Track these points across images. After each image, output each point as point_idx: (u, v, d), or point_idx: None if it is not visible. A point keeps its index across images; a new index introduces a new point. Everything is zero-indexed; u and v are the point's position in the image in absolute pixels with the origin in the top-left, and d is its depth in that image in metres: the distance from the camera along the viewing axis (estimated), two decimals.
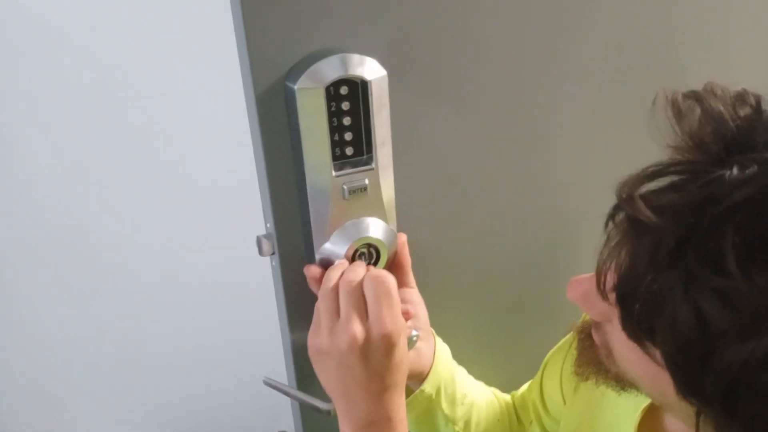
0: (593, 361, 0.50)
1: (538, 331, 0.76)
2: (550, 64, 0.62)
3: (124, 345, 1.32)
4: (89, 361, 1.35)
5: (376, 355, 0.52)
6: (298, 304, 0.61)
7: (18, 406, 1.41)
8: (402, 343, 0.53)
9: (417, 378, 0.63)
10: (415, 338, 0.60)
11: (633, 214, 0.36)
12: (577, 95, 0.65)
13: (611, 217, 0.39)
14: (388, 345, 0.52)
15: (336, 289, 0.53)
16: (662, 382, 0.39)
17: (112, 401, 1.41)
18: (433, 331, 0.65)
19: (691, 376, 0.36)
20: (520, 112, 0.63)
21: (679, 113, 0.38)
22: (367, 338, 0.51)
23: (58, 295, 1.27)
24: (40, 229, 1.21)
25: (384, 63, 0.55)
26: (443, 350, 0.65)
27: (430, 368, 0.63)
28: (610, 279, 0.39)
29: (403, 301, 0.61)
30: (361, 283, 0.53)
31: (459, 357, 0.68)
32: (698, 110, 0.37)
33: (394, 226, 0.60)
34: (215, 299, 1.26)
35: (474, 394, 0.68)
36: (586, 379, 0.51)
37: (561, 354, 0.67)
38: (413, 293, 0.62)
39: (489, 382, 0.73)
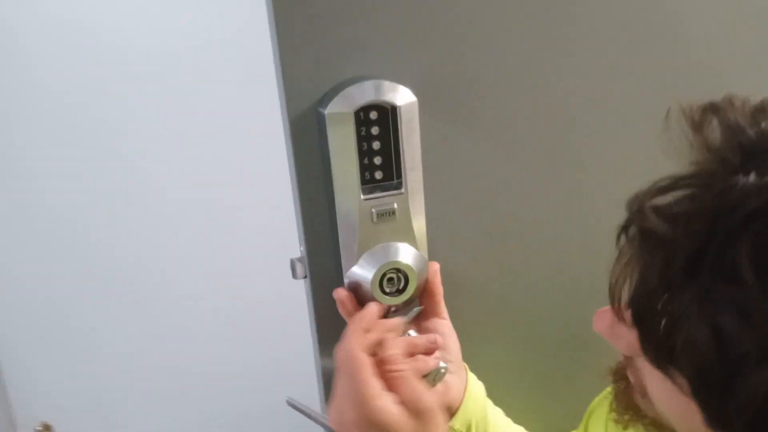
0: (630, 405, 0.47)
1: (584, 374, 0.71)
2: (583, 89, 0.61)
3: (164, 361, 1.37)
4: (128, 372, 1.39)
5: None
6: (329, 327, 0.61)
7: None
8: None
9: (445, 414, 0.61)
10: (443, 371, 0.58)
11: (644, 227, 0.35)
12: (612, 120, 0.63)
13: (622, 231, 0.37)
14: None
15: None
16: (692, 416, 0.36)
17: (144, 413, 1.45)
18: (467, 366, 0.63)
19: (716, 404, 0.33)
20: (554, 138, 0.62)
21: (695, 125, 0.36)
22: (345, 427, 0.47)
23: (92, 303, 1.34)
24: (88, 248, 1.29)
25: (415, 90, 0.56)
26: (476, 387, 0.63)
27: (461, 404, 0.61)
28: (624, 298, 0.37)
29: (433, 331, 0.60)
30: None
31: (494, 397, 0.66)
32: (715, 121, 0.35)
33: (424, 252, 0.60)
34: (256, 320, 1.29)
35: None
36: (626, 427, 0.48)
37: (606, 403, 0.63)
38: (444, 324, 0.61)
39: (531, 429, 0.70)
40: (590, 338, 0.71)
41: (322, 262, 0.59)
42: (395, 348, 0.51)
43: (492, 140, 0.60)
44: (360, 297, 0.58)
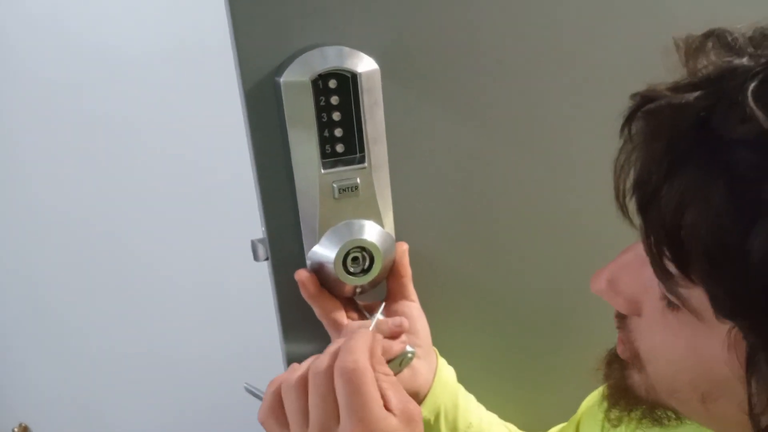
0: (622, 388, 0.44)
1: (566, 360, 0.69)
2: (558, 56, 0.58)
3: (141, 352, 1.34)
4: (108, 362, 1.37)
5: None
6: (293, 311, 0.58)
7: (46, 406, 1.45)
8: None
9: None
10: (410, 355, 0.55)
11: (651, 105, 0.32)
12: (583, 89, 0.60)
13: (627, 122, 0.34)
14: None
15: (303, 384, 0.44)
16: (702, 353, 0.34)
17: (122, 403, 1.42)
18: (436, 350, 0.60)
19: (731, 279, 0.29)
20: (523, 108, 0.59)
21: (692, 51, 0.34)
22: None
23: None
24: (73, 235, 1.26)
25: (378, 58, 0.53)
26: (446, 372, 0.60)
27: (429, 390, 0.58)
28: (628, 189, 0.34)
29: (401, 314, 0.57)
30: (330, 374, 0.43)
31: (466, 384, 0.63)
32: (710, 44, 0.33)
33: (391, 230, 0.57)
34: (219, 304, 1.27)
35: (482, 426, 0.61)
36: (619, 422, 0.45)
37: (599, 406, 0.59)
38: (413, 307, 0.58)
39: (505, 418, 0.67)
40: (571, 318, 0.69)
41: (284, 242, 0.56)
42: (379, 350, 0.47)
43: (461, 111, 0.57)
44: (324, 278, 0.55)
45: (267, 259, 0.58)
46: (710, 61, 0.33)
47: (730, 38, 0.33)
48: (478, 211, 0.61)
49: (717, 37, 0.33)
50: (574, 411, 0.62)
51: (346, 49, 0.52)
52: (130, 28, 1.12)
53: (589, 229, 0.64)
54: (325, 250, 0.54)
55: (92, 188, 1.23)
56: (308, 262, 0.55)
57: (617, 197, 0.35)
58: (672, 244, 0.31)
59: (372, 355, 0.45)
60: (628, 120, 0.34)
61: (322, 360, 0.45)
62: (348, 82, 0.52)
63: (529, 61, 0.58)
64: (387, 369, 0.47)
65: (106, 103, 1.16)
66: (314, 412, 0.43)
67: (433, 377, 0.58)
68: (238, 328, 1.25)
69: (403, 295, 0.58)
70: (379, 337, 0.49)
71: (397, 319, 0.54)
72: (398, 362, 0.54)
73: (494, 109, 0.58)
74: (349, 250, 0.54)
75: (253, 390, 0.53)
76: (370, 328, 0.52)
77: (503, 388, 0.67)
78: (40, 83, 1.18)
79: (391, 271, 0.57)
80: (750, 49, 0.32)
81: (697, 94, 0.31)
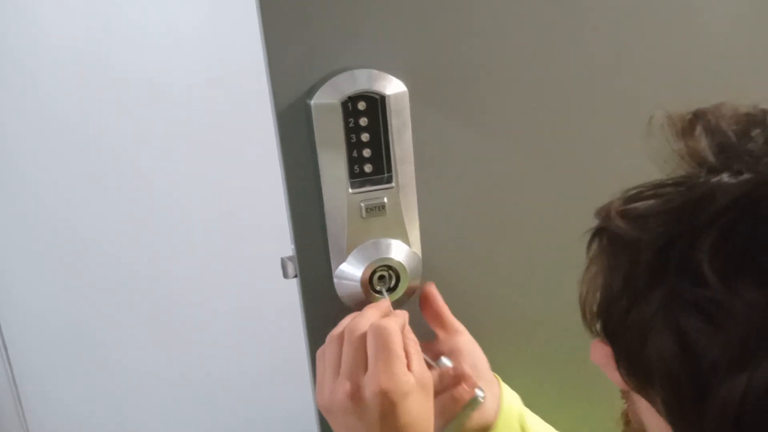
0: None
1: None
2: (583, 82, 0.59)
3: (171, 367, 1.36)
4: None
5: (373, 415, 0.46)
6: (321, 327, 0.59)
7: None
8: (409, 404, 0.47)
9: (482, 431, 0.56)
10: (481, 399, 0.55)
11: (610, 230, 0.33)
12: (613, 116, 0.60)
13: (591, 240, 0.35)
14: (384, 404, 0.46)
15: (341, 337, 0.50)
16: None
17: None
18: (498, 377, 0.60)
19: (691, 426, 0.30)
20: (551, 132, 0.59)
21: (679, 132, 0.34)
22: (360, 396, 0.46)
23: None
24: (110, 259, 1.30)
25: (407, 80, 0.54)
26: (510, 398, 0.59)
27: (496, 420, 0.56)
28: (594, 310, 0.34)
29: (455, 350, 0.57)
30: (365, 333, 0.48)
31: (531, 405, 0.61)
32: (699, 127, 0.33)
33: (417, 249, 0.57)
34: (250, 322, 1.28)
35: None
36: None
37: None
38: (462, 340, 0.57)
39: None
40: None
41: (312, 259, 0.57)
42: (406, 321, 0.52)
43: (487, 133, 0.58)
44: (351, 295, 0.56)
45: (296, 276, 0.59)
46: (694, 149, 0.32)
47: (714, 126, 0.32)
48: (505, 231, 0.61)
49: (704, 123, 0.33)
50: None
51: (375, 72, 0.53)
52: (168, 52, 1.16)
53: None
54: (352, 269, 0.55)
55: (129, 213, 1.26)
56: (335, 280, 0.56)
57: (583, 316, 0.36)
58: (633, 372, 0.33)
59: (404, 324, 0.51)
60: (591, 240, 0.35)
61: (358, 320, 0.49)
62: (377, 103, 0.53)
63: (556, 83, 0.58)
64: (414, 336, 0.52)
65: (145, 124, 1.20)
66: (346, 360, 0.48)
67: (498, 406, 0.57)
68: (269, 345, 1.27)
69: (450, 330, 0.58)
70: (406, 313, 0.53)
71: (459, 368, 0.55)
72: (470, 408, 0.54)
73: (521, 130, 0.58)
74: (376, 269, 0.55)
75: None
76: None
77: (555, 404, 0.66)
78: (81, 110, 1.23)
79: (429, 311, 0.58)
80: (729, 156, 0.31)
81: (656, 228, 0.31)
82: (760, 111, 0.34)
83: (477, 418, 0.55)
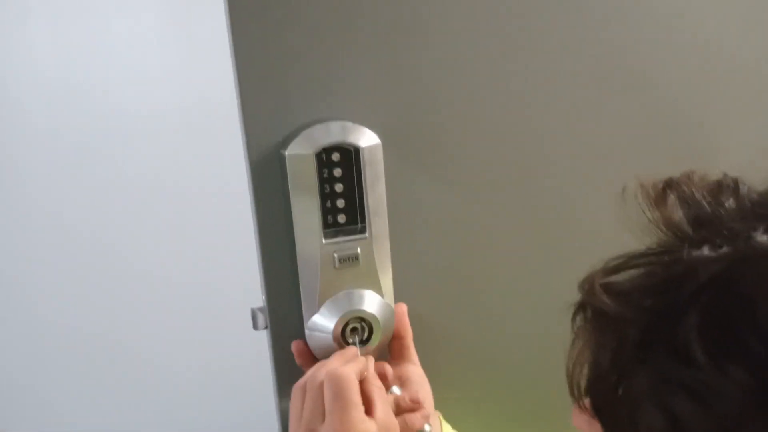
0: None
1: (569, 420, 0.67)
2: (554, 136, 0.60)
3: None
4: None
5: None
6: (290, 380, 0.57)
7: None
8: None
9: None
10: None
11: (595, 306, 0.33)
12: (587, 169, 0.62)
13: (576, 313, 0.35)
14: None
15: (304, 388, 0.50)
16: None
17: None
18: (440, 415, 0.59)
19: None
20: (523, 185, 0.60)
21: (652, 200, 0.34)
22: None
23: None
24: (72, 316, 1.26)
25: (380, 133, 0.54)
26: None
27: None
28: (582, 383, 0.34)
29: (406, 379, 0.57)
30: (321, 383, 0.48)
31: None
32: (672, 197, 0.34)
33: (390, 300, 0.57)
34: (217, 374, 1.25)
35: None
36: None
37: None
38: (415, 371, 0.58)
39: None
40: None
41: (283, 310, 0.56)
42: (372, 367, 0.52)
43: (461, 186, 0.59)
44: (322, 347, 0.55)
45: (266, 327, 0.58)
46: (669, 219, 0.33)
47: (688, 196, 0.33)
48: (477, 279, 0.61)
49: (678, 192, 0.34)
50: None
51: (350, 124, 0.54)
52: (142, 93, 1.16)
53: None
54: (324, 320, 0.54)
55: (96, 248, 1.24)
56: (307, 332, 0.55)
57: (570, 391, 0.35)
58: None
59: (366, 369, 0.51)
60: (575, 314, 0.35)
61: (320, 369, 0.49)
62: (351, 155, 0.53)
63: (525, 137, 0.60)
64: (380, 383, 0.51)
65: (117, 164, 1.19)
66: (306, 411, 0.48)
67: None
68: (237, 398, 1.23)
69: (406, 358, 0.58)
70: (371, 358, 0.53)
71: (414, 396, 0.54)
72: None
73: (493, 182, 0.59)
74: (349, 321, 0.54)
75: None
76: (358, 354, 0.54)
77: None
78: (53, 143, 1.21)
79: (393, 333, 0.57)
80: (706, 229, 0.31)
81: (640, 305, 0.31)
82: (731, 180, 0.35)
83: None
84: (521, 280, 0.62)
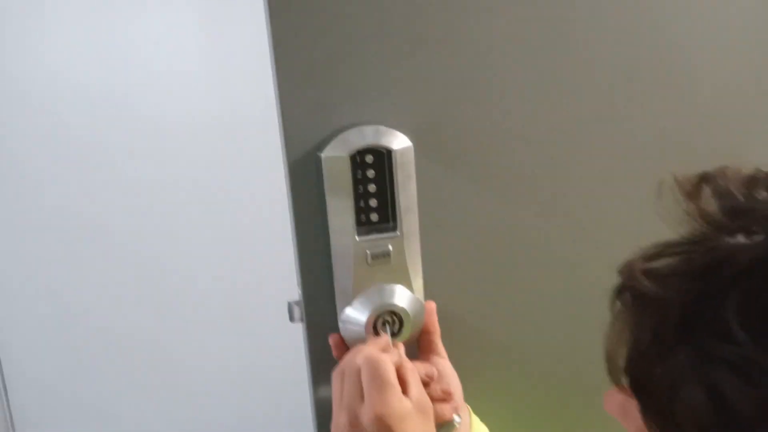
0: None
1: (597, 417, 0.69)
2: (579, 136, 0.62)
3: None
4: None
5: None
6: (325, 371, 0.60)
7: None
8: (408, 427, 0.50)
9: None
10: (457, 424, 0.57)
11: (636, 290, 0.35)
12: (612, 167, 0.64)
13: (616, 297, 0.37)
14: (382, 429, 0.49)
15: (342, 373, 0.53)
16: None
17: None
18: (469, 408, 0.62)
19: None
20: (548, 180, 0.62)
21: (688, 194, 0.36)
22: (358, 423, 0.50)
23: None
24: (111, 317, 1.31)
25: (412, 135, 0.57)
26: (480, 429, 0.61)
27: None
28: (621, 364, 0.36)
29: (435, 371, 0.59)
30: (359, 367, 0.52)
31: None
32: (707, 190, 0.36)
33: (420, 295, 0.59)
34: (255, 366, 1.28)
35: None
36: None
37: None
38: (444, 364, 0.60)
39: None
40: (599, 376, 0.69)
41: (318, 304, 0.59)
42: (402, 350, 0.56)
43: (490, 185, 0.61)
44: (355, 339, 0.58)
45: (302, 320, 0.61)
46: (704, 211, 0.35)
47: (723, 189, 0.35)
48: (503, 276, 0.63)
49: (713, 185, 0.36)
50: None
51: (383, 128, 0.56)
52: (185, 101, 1.20)
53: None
54: (357, 313, 0.57)
55: (134, 253, 1.29)
56: (341, 324, 0.58)
57: (610, 371, 0.37)
58: (662, 426, 0.34)
59: (400, 352, 0.55)
60: (615, 298, 0.37)
61: (355, 355, 0.53)
62: (383, 157, 0.56)
63: (553, 138, 0.62)
64: (412, 365, 0.54)
65: (159, 168, 1.24)
66: (346, 394, 0.51)
67: None
68: (272, 389, 1.27)
69: (434, 351, 0.60)
70: (401, 345, 0.57)
71: (445, 387, 0.57)
72: (446, 429, 0.56)
73: (520, 180, 0.62)
74: (380, 314, 0.57)
75: None
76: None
77: None
78: (94, 149, 1.27)
79: (422, 329, 0.60)
80: (741, 218, 0.33)
81: (681, 287, 0.33)
82: (763, 173, 0.36)
83: None
84: (550, 278, 0.64)
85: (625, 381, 0.36)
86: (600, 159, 0.64)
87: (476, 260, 0.62)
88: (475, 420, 0.62)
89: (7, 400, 1.53)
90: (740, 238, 0.32)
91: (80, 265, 1.36)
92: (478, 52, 0.59)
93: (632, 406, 0.37)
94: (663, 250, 0.35)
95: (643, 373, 0.34)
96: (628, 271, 0.35)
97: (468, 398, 0.62)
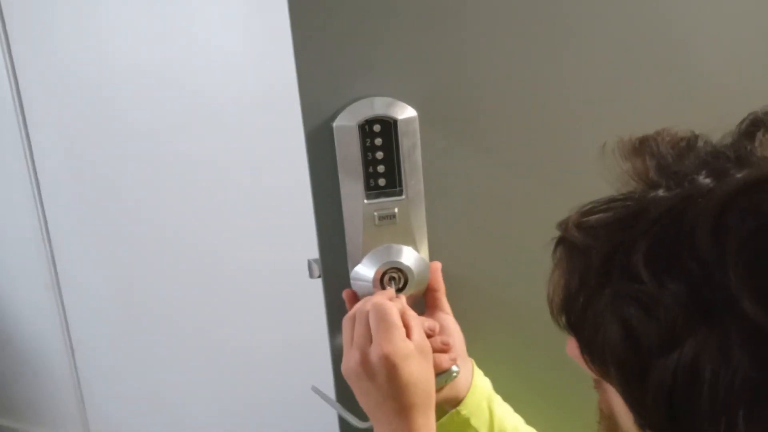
0: None
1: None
2: (582, 103, 0.65)
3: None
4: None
5: (380, 377, 0.55)
6: (339, 321, 0.67)
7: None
8: (411, 365, 0.56)
9: (451, 403, 0.64)
10: (455, 374, 0.62)
11: (568, 240, 0.39)
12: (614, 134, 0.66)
13: (555, 248, 0.41)
14: (388, 367, 0.55)
15: (353, 317, 0.59)
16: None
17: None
18: (473, 361, 0.67)
19: (639, 403, 0.36)
20: (548, 146, 0.66)
21: (627, 154, 0.40)
22: (368, 361, 0.56)
23: None
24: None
25: (417, 106, 0.62)
26: (482, 381, 0.66)
27: (466, 395, 0.63)
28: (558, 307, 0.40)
29: (440, 327, 0.64)
30: (367, 312, 0.58)
31: (503, 395, 0.68)
32: (644, 150, 0.39)
33: (425, 255, 0.64)
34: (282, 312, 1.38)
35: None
36: None
37: None
38: (448, 319, 0.65)
39: (541, 429, 0.71)
40: None
41: (333, 261, 0.65)
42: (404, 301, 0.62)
43: (489, 151, 0.65)
44: (364, 294, 0.64)
45: (320, 276, 0.67)
46: (639, 169, 0.38)
47: (656, 150, 0.38)
48: (505, 237, 0.67)
49: (649, 147, 0.39)
50: None
51: (389, 99, 0.61)
52: (222, 79, 1.28)
53: None
54: (366, 270, 0.63)
55: (183, 212, 1.41)
56: (352, 281, 0.64)
57: (551, 313, 0.42)
58: (594, 361, 0.39)
59: (403, 302, 0.61)
60: (555, 248, 0.41)
61: (366, 302, 0.59)
62: (390, 126, 0.61)
63: (553, 107, 0.65)
64: (414, 313, 0.60)
65: (198, 144, 1.33)
66: (356, 336, 0.58)
67: (470, 384, 0.64)
68: (295, 331, 1.36)
69: (439, 308, 0.65)
70: (403, 297, 0.63)
71: (444, 338, 0.62)
72: (444, 379, 0.61)
73: (519, 149, 0.65)
74: (386, 271, 0.62)
75: (320, 393, 0.62)
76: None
77: (537, 400, 0.72)
78: (142, 128, 1.38)
79: (426, 287, 0.65)
80: (665, 175, 0.37)
81: (605, 238, 0.37)
82: (694, 136, 0.40)
83: (448, 390, 0.63)
84: (546, 237, 0.68)
85: (562, 323, 0.40)
86: (602, 128, 0.66)
87: (478, 223, 0.66)
88: (478, 373, 0.66)
89: (80, 391, 1.71)
90: (659, 192, 0.36)
91: (148, 263, 1.49)
92: (482, 28, 0.62)
93: (576, 345, 0.41)
94: (597, 206, 0.38)
95: (574, 313, 0.38)
96: (564, 225, 0.39)
97: (471, 353, 0.67)
